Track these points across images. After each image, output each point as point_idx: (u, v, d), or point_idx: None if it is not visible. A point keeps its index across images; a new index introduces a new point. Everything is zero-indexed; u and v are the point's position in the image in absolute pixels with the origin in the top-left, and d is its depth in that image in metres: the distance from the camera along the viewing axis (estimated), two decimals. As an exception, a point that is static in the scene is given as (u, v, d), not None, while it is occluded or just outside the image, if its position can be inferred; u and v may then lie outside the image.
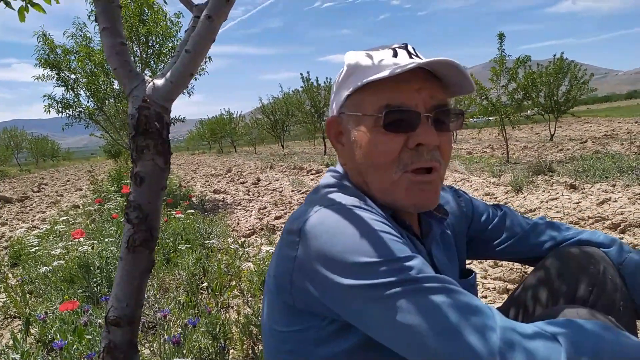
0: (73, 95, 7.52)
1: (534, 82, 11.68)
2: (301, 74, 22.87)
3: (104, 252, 3.24)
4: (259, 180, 11.00)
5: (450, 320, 0.75)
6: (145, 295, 2.59)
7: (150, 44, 7.12)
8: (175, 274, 3.12)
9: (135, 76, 1.24)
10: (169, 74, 1.22)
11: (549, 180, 6.61)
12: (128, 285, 1.21)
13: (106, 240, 3.56)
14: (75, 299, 2.78)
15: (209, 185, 11.18)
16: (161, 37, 6.94)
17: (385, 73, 0.96)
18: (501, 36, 10.26)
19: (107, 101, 7.65)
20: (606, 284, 1.08)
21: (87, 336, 2.04)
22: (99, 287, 2.98)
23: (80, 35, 7.23)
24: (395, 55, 1.02)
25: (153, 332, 2.42)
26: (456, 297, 0.78)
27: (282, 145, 29.93)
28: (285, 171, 12.83)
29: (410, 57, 1.02)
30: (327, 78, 22.93)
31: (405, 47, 1.04)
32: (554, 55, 15.88)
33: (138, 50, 7.20)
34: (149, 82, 1.23)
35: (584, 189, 5.75)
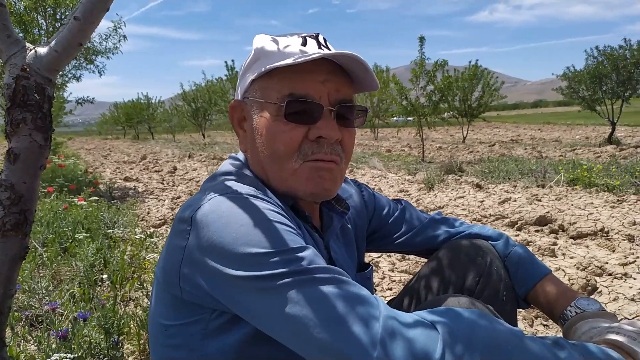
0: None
1: (450, 85, 12.25)
2: (226, 62, 22.39)
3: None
4: (175, 169, 10.62)
5: (336, 310, 0.74)
6: (34, 287, 2.39)
7: (58, 17, 6.58)
8: (71, 265, 2.90)
9: (14, 42, 1.11)
10: (53, 42, 1.11)
11: (459, 180, 6.97)
12: (-4, 274, 1.09)
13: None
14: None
15: (119, 172, 10.61)
16: (70, 10, 6.44)
17: (289, 61, 0.93)
18: (422, 39, 10.66)
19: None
20: (492, 275, 1.14)
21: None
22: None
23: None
24: (304, 44, 0.99)
25: (41, 326, 2.23)
26: (344, 288, 0.77)
27: (203, 135, 29.14)
28: (204, 161, 12.49)
29: (320, 47, 0.99)
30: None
31: (316, 37, 1.01)
32: (470, 62, 16.80)
33: (44, 23, 6.64)
34: (30, 50, 1.11)
35: (489, 188, 6.13)
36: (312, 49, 0.98)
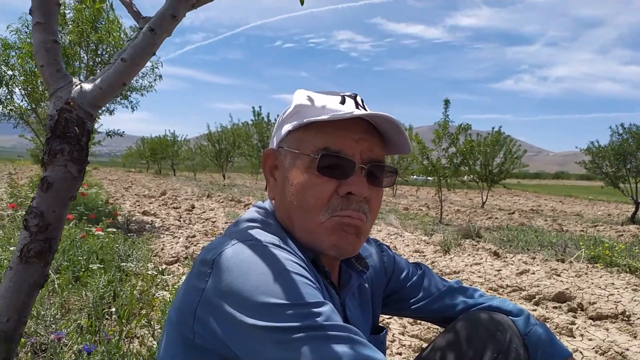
0: (7, 91, 7.09)
1: (472, 149, 12.31)
2: (253, 107, 22.95)
3: (5, 261, 2.97)
4: (193, 207, 10.70)
5: None
6: (43, 314, 2.38)
7: (99, 52, 6.89)
8: (81, 295, 2.89)
9: (62, 77, 1.17)
10: (99, 79, 1.16)
11: (476, 245, 6.86)
12: (13, 298, 1.09)
13: (12, 248, 3.28)
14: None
15: (139, 205, 10.72)
16: (112, 47, 6.75)
17: (326, 116, 0.97)
18: (447, 102, 10.82)
19: (42, 103, 7.26)
20: (510, 353, 1.10)
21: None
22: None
23: (26, 32, 6.91)
24: (342, 102, 1.04)
25: (44, 355, 2.21)
26: (358, 349, 0.76)
27: (224, 176, 29.50)
28: (222, 202, 12.58)
29: (357, 107, 1.03)
30: (278, 115, 23.07)
31: (354, 98, 1.06)
32: (493, 128, 16.90)
33: (85, 57, 6.95)
34: (76, 85, 1.16)
35: (507, 257, 6.00)
36: (350, 108, 1.02)
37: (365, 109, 1.04)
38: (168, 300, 2.73)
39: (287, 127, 1.06)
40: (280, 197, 1.06)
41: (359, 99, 1.06)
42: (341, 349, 0.75)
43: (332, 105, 1.02)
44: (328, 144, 0.98)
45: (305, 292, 0.82)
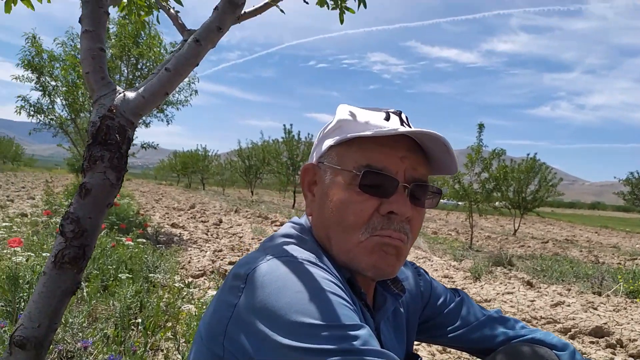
0: (49, 101, 7.35)
1: (506, 175, 12.06)
2: (284, 125, 23.15)
3: (38, 266, 3.01)
4: (220, 221, 10.77)
5: None
6: (71, 321, 2.39)
7: (139, 67, 7.09)
8: (109, 304, 2.90)
9: (106, 84, 1.17)
10: (142, 88, 1.16)
11: (507, 274, 6.65)
12: (45, 304, 1.08)
13: (44, 254, 3.34)
14: (-6, 312, 2.55)
15: (168, 217, 10.87)
16: (152, 62, 6.94)
17: (370, 132, 0.94)
18: (481, 126, 10.65)
19: (82, 114, 7.48)
20: (555, 389, 1.02)
21: (-7, 356, 1.83)
22: (24, 304, 2.74)
23: (71, 45, 7.17)
24: (387, 118, 1.00)
25: (70, 363, 2.21)
26: None
27: (252, 192, 29.72)
28: (249, 217, 12.63)
29: (402, 124, 1.00)
30: (308, 134, 23.15)
31: (399, 114, 1.03)
32: (528, 154, 16.54)
33: (125, 71, 7.16)
34: (120, 93, 1.16)
35: (540, 288, 5.79)
36: (394, 125, 0.98)
37: (410, 127, 1.01)
38: (193, 314, 2.71)
39: (328, 142, 1.02)
40: (318, 214, 1.02)
41: (403, 116, 1.03)
42: None
43: (376, 121, 0.99)
44: (371, 160, 0.95)
45: (342, 313, 0.78)
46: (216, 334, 0.86)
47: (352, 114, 1.02)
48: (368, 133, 0.94)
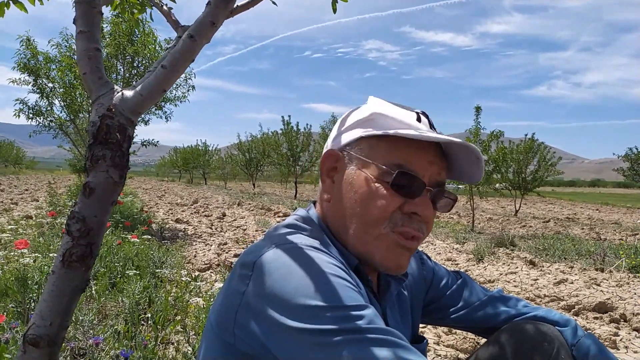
0: (47, 103, 7.35)
1: (505, 157, 12.07)
2: (282, 116, 23.12)
3: (46, 267, 3.05)
4: (224, 215, 10.81)
5: None
6: (81, 319, 2.43)
7: (135, 64, 7.08)
8: (118, 301, 2.94)
9: (104, 84, 1.19)
10: (139, 86, 1.17)
11: (510, 254, 6.69)
12: (56, 302, 1.11)
13: (51, 255, 3.37)
14: (5, 313, 2.58)
15: (172, 213, 10.91)
16: (147, 60, 6.92)
17: (412, 132, 0.95)
18: (478, 109, 10.62)
19: (80, 114, 7.49)
20: (558, 365, 1.05)
21: (7, 355, 1.87)
22: (34, 304, 2.78)
23: (66, 46, 7.15)
24: (418, 119, 1.03)
25: (83, 359, 2.25)
26: (401, 354, 0.74)
27: (254, 184, 29.77)
28: (252, 210, 12.68)
29: (431, 127, 1.03)
30: (307, 124, 23.16)
31: (427, 116, 1.05)
32: (526, 135, 16.53)
33: (122, 69, 7.15)
34: (118, 92, 1.18)
35: (543, 267, 5.83)
36: (425, 128, 1.02)
37: (436, 130, 1.04)
38: (202, 306, 2.75)
39: (359, 132, 1.03)
40: (336, 200, 1.04)
41: (431, 119, 1.06)
42: (382, 352, 0.73)
43: (409, 121, 1.01)
44: (403, 161, 0.97)
45: (345, 295, 0.80)
46: (226, 322, 0.89)
47: (387, 109, 1.03)
48: (413, 133, 0.95)
